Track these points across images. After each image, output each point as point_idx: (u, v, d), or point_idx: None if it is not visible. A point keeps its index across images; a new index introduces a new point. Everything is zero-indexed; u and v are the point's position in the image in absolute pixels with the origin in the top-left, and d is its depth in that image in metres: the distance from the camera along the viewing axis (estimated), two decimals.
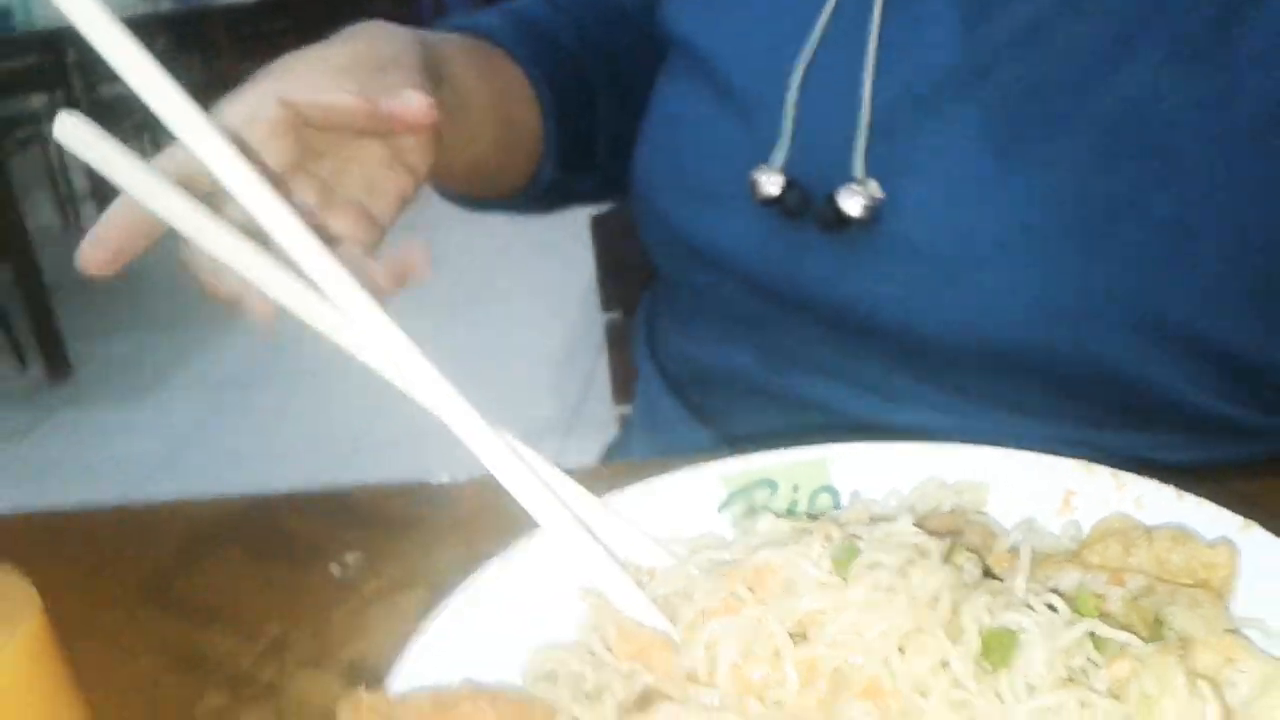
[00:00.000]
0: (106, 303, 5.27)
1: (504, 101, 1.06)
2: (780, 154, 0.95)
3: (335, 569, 0.95)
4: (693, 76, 1.04)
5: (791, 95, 0.95)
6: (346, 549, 0.97)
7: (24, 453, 4.13)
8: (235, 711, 0.82)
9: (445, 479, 1.03)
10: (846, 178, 0.91)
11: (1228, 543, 0.60)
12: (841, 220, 0.90)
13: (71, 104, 6.13)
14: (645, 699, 0.57)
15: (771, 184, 0.94)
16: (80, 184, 6.65)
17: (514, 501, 0.69)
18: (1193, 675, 0.51)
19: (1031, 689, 0.53)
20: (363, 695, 0.59)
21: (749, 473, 0.73)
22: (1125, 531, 0.62)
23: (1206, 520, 0.63)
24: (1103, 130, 0.84)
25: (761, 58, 0.98)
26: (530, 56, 1.09)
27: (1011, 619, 0.55)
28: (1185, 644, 0.54)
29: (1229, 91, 0.82)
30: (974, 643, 0.54)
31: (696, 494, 0.72)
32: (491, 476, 0.68)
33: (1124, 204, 0.84)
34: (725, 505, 0.72)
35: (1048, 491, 0.69)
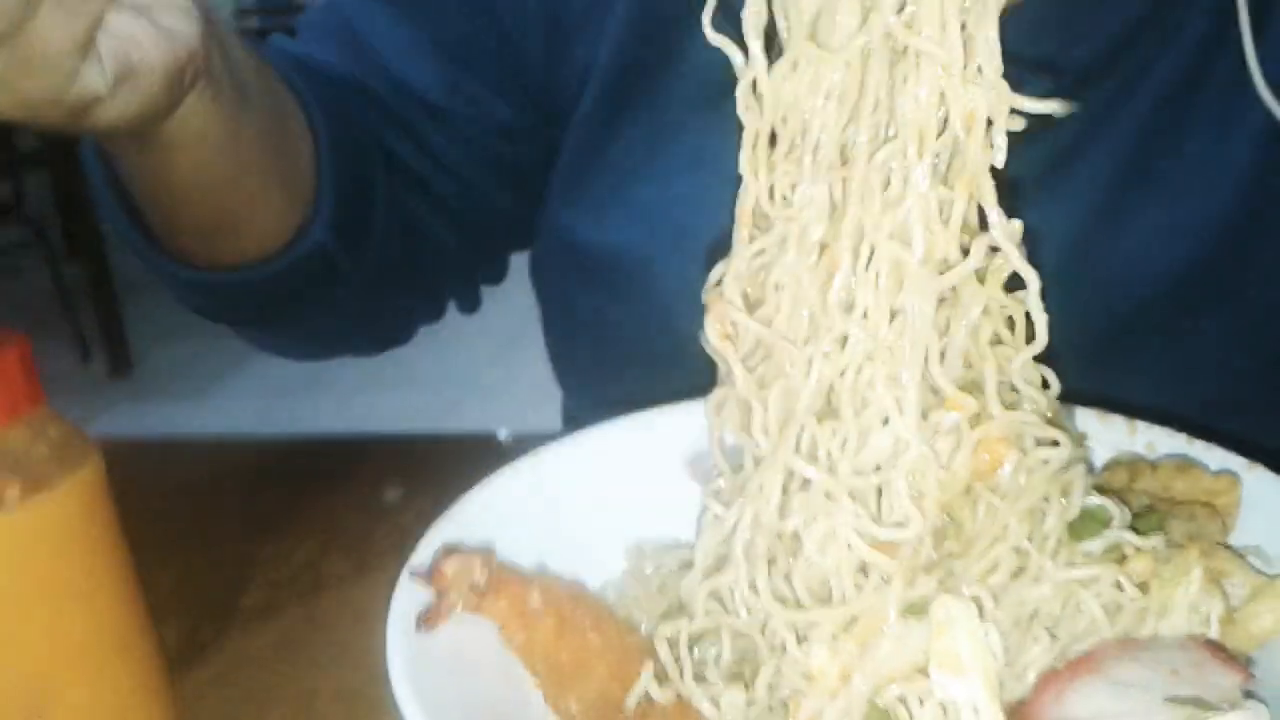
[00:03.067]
0: (171, 306, 5.35)
1: (280, 124, 0.86)
2: None
3: (377, 501, 0.99)
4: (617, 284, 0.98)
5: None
6: (390, 486, 1.01)
7: None
8: (273, 609, 0.86)
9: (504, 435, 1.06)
10: None
11: (1230, 472, 0.62)
12: None
13: None
14: None
15: None
16: None
17: None
18: (1209, 572, 0.53)
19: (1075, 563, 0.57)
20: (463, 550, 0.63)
21: None
22: (1132, 462, 0.64)
23: (1214, 462, 0.65)
24: None
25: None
26: (315, 100, 0.90)
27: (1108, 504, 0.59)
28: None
29: None
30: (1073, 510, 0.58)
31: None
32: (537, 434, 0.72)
33: None
34: None
35: None
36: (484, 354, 4.40)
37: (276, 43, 1.00)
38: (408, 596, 0.61)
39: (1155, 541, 0.58)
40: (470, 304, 1.13)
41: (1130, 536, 0.58)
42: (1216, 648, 0.53)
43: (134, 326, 4.91)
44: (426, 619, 0.60)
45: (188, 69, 0.66)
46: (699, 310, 0.87)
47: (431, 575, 0.61)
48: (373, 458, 1.11)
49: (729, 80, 0.87)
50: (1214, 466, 0.64)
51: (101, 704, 0.66)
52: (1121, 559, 0.58)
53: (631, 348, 0.99)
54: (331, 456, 1.10)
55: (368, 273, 0.96)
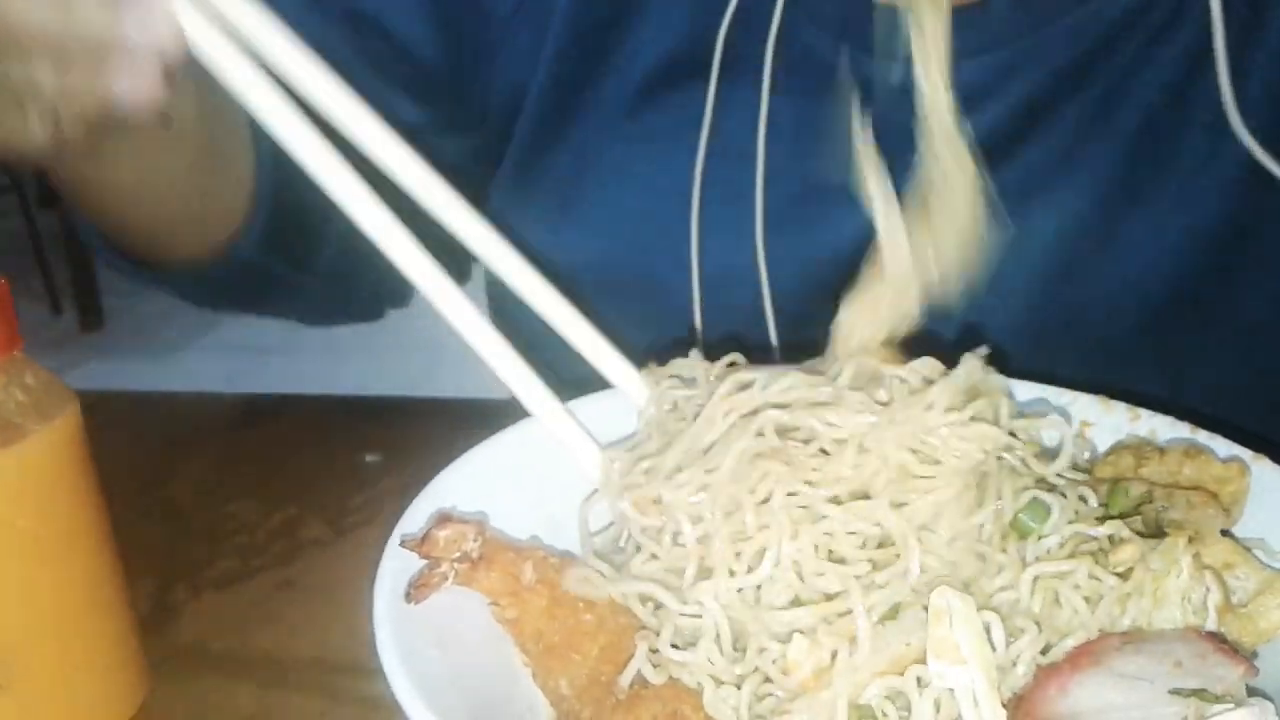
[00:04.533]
0: None
1: (220, 124, 0.83)
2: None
3: (355, 463, 0.97)
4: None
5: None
6: (368, 449, 0.99)
7: None
8: (246, 573, 0.84)
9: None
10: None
11: (1239, 460, 0.61)
12: None
13: None
14: None
15: None
16: None
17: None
18: (1198, 559, 0.52)
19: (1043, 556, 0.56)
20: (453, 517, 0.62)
21: None
22: (1138, 446, 0.63)
23: (1219, 450, 0.64)
24: None
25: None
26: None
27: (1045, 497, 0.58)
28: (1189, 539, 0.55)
29: None
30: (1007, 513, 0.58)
31: None
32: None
33: None
34: None
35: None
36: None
37: None
38: (395, 564, 0.59)
39: (1122, 527, 0.57)
40: None
41: (1087, 528, 0.58)
42: (1219, 640, 0.52)
43: (106, 281, 4.86)
44: (416, 588, 0.58)
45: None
46: (652, 316, 0.87)
47: (424, 542, 0.60)
48: (351, 419, 1.09)
49: (673, 74, 0.87)
50: (1222, 454, 0.63)
51: (71, 663, 0.64)
52: (1101, 549, 0.57)
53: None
54: (310, 416, 1.08)
55: (322, 273, 0.95)
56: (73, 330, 4.72)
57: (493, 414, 0.74)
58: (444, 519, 0.61)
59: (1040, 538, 0.57)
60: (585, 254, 0.92)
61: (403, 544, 0.60)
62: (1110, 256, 0.86)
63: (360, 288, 1.02)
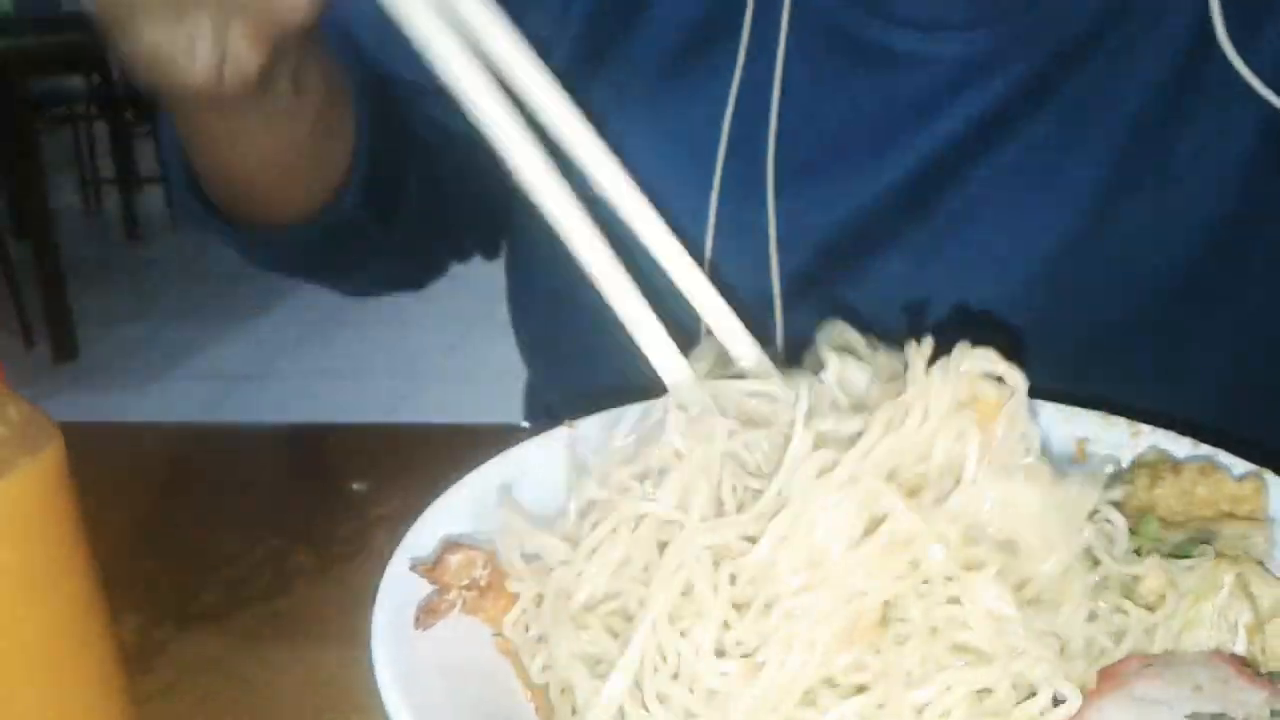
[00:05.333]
0: (118, 289, 5.28)
1: (337, 90, 0.88)
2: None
3: (341, 493, 0.95)
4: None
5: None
6: (354, 478, 0.97)
7: None
8: (234, 607, 0.82)
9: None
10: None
11: (1256, 476, 0.60)
12: None
13: (108, 86, 6.17)
14: None
15: None
16: (106, 168, 6.65)
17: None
18: (1241, 579, 0.51)
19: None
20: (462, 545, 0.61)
21: None
22: (1154, 464, 0.62)
23: (1234, 469, 0.63)
24: None
25: None
26: (353, 77, 0.92)
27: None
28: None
29: None
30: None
31: None
32: (509, 426, 0.70)
33: None
34: None
35: (1063, 439, 0.69)
36: (437, 343, 4.38)
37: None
38: (393, 593, 0.58)
39: (1156, 561, 0.56)
40: (491, 251, 1.15)
41: (1122, 567, 0.56)
42: (1242, 663, 0.51)
43: (80, 311, 4.83)
44: (425, 613, 0.57)
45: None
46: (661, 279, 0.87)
47: (435, 567, 0.58)
48: (336, 448, 1.07)
49: (681, 49, 0.88)
50: (1236, 472, 0.62)
51: (56, 700, 0.62)
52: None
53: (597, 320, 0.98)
54: (294, 446, 1.07)
55: (399, 229, 0.98)
56: (46, 362, 4.68)
57: (474, 440, 0.73)
58: (454, 545, 0.60)
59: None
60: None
61: (413, 568, 0.59)
62: (1111, 237, 0.86)
63: (419, 248, 1.06)
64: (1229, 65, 0.82)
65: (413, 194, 0.98)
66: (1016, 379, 0.56)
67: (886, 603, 0.52)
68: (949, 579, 0.52)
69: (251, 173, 0.86)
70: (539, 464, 0.68)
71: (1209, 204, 0.85)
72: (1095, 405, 0.73)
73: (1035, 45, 0.84)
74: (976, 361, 0.56)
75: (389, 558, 0.65)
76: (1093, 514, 0.57)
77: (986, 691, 0.50)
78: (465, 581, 0.58)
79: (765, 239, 0.89)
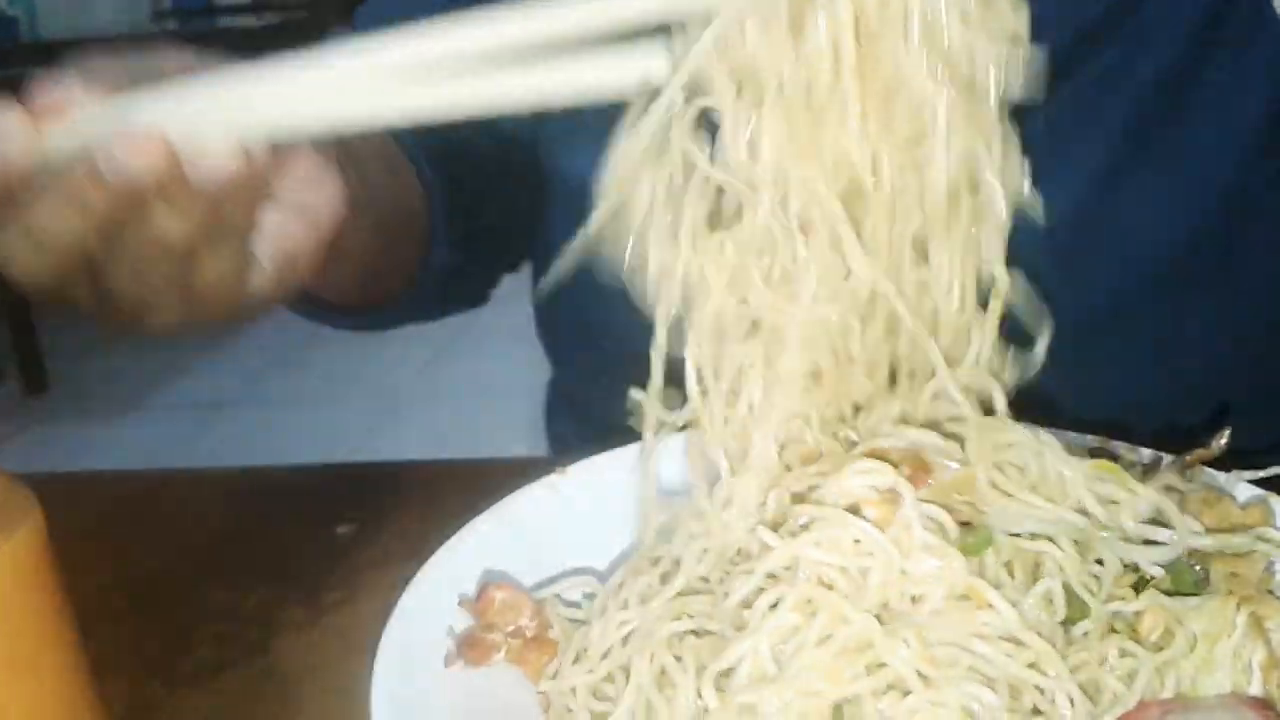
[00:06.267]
0: (88, 321, 5.22)
1: (394, 184, 0.92)
2: None
3: (328, 537, 0.94)
4: None
5: None
6: (342, 520, 0.96)
7: None
8: (223, 664, 0.80)
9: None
10: None
11: (1262, 503, 0.59)
12: None
13: None
14: None
15: None
16: None
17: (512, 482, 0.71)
18: (1254, 618, 0.51)
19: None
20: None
21: None
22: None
23: (1239, 494, 0.63)
24: None
25: None
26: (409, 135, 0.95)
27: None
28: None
29: None
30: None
31: None
32: (496, 461, 0.69)
33: None
34: None
35: None
36: (411, 369, 4.35)
37: None
38: (391, 649, 0.57)
39: (1155, 598, 0.55)
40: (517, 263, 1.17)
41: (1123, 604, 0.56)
42: (1264, 705, 0.50)
43: (50, 341, 4.78)
44: (469, 649, 0.56)
45: (334, 227, 0.68)
46: None
47: (479, 601, 0.57)
48: (321, 489, 1.05)
49: None
50: (1241, 498, 0.62)
51: None
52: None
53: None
54: (277, 488, 1.05)
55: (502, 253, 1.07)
56: (15, 395, 4.63)
57: (460, 478, 0.72)
58: (499, 584, 0.59)
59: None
60: None
61: (461, 604, 0.60)
62: (1122, 211, 0.87)
63: (487, 265, 1.11)
64: (1241, 39, 0.84)
65: (490, 220, 1.03)
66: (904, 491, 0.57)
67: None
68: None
69: (359, 279, 0.90)
70: (537, 511, 0.67)
71: (1217, 176, 0.87)
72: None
73: (1058, 28, 0.85)
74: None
75: (379, 603, 0.64)
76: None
77: None
78: (510, 627, 0.58)
79: None
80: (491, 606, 0.59)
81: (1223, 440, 0.62)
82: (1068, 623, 0.55)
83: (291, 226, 0.64)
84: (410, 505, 0.96)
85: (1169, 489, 0.60)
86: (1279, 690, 0.52)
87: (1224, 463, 0.65)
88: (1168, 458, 0.65)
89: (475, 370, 4.38)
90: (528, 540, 0.66)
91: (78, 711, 0.61)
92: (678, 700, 0.54)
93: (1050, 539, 0.56)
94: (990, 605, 0.53)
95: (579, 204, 0.96)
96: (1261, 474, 0.63)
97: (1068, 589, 0.56)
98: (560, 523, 0.67)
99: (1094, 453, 0.65)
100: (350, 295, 0.94)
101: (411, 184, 0.94)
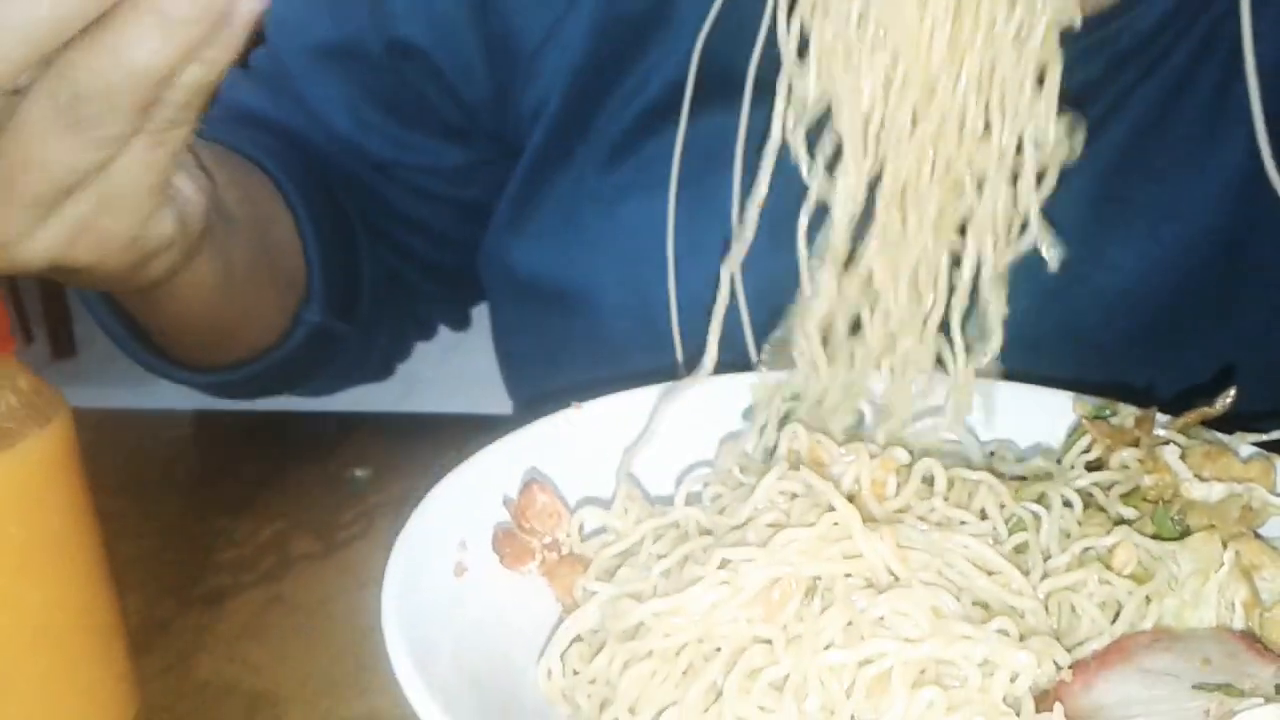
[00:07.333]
0: None
1: (262, 227, 0.88)
2: None
3: (344, 479, 0.95)
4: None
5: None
6: (357, 465, 0.97)
7: None
8: (236, 590, 0.82)
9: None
10: None
11: (1264, 459, 0.60)
12: None
13: None
14: None
15: None
16: None
17: None
18: (1240, 557, 0.52)
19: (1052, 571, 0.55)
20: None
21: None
22: (1154, 445, 0.62)
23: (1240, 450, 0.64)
24: None
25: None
26: (286, 175, 0.92)
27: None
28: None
29: None
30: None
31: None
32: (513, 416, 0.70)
33: None
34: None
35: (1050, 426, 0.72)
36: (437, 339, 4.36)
37: (231, 92, 0.98)
38: (400, 569, 0.58)
39: (1127, 533, 0.57)
40: (460, 323, 1.17)
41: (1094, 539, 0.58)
42: (1252, 638, 0.51)
43: (78, 308, 4.80)
44: (506, 552, 0.57)
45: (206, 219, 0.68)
46: (642, 334, 0.89)
47: (520, 497, 0.60)
48: (340, 435, 1.07)
49: (675, 101, 0.87)
50: (1244, 453, 0.63)
51: (61, 679, 0.62)
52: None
53: (576, 363, 0.98)
54: (298, 432, 1.06)
55: (362, 327, 0.99)
56: (45, 358, 4.66)
57: (478, 428, 0.73)
58: (541, 485, 0.61)
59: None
60: (585, 271, 0.94)
61: (505, 504, 0.61)
62: (1104, 268, 0.86)
63: (390, 333, 1.08)
64: (1214, 93, 0.83)
65: (368, 285, 1.00)
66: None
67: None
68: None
69: (210, 314, 0.83)
70: (551, 444, 0.68)
71: (1197, 230, 0.86)
72: None
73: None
74: None
75: (390, 542, 0.65)
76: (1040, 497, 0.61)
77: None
78: (548, 539, 0.58)
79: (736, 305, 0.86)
80: (533, 505, 0.60)
81: (1228, 399, 0.63)
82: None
83: (186, 190, 0.64)
84: (424, 453, 0.97)
85: (1168, 443, 0.61)
86: (1260, 626, 0.53)
87: (1228, 427, 0.66)
88: (1164, 417, 0.65)
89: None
90: (546, 469, 0.67)
91: (95, 608, 0.63)
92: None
93: None
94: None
95: (530, 296, 0.98)
96: (1264, 437, 0.64)
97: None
98: (572, 455, 0.68)
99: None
100: (207, 341, 0.90)
101: (278, 216, 0.91)
